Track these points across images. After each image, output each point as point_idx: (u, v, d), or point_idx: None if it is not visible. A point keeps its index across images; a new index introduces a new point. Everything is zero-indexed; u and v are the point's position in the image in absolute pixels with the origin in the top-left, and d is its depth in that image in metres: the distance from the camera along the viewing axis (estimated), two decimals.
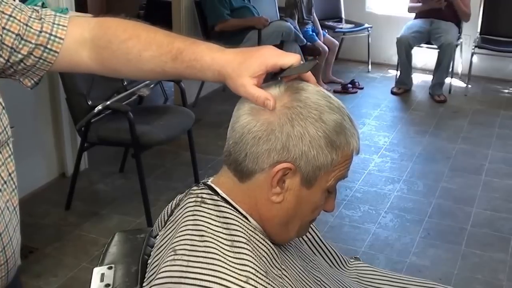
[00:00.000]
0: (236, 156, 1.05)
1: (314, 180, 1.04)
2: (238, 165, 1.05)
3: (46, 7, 3.29)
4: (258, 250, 1.03)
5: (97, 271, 1.16)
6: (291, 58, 1.03)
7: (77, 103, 3.19)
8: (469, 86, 5.66)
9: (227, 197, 1.07)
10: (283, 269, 1.07)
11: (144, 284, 1.09)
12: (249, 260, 1.00)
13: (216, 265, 0.98)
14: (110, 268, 1.17)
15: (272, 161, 1.01)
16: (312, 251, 1.32)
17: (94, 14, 3.63)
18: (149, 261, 1.13)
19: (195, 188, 1.12)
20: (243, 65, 1.02)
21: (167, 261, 1.01)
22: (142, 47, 1.10)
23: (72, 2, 3.53)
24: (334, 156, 1.03)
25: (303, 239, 1.30)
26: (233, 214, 1.05)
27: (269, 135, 1.01)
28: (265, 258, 1.04)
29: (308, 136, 1.00)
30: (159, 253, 1.09)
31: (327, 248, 1.35)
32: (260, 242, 1.05)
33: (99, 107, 3.10)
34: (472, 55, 5.51)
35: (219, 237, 1.02)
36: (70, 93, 3.22)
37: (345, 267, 1.40)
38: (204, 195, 1.09)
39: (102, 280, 1.14)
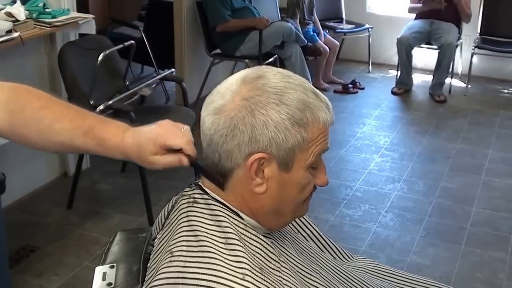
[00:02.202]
0: (212, 158, 1.06)
1: (291, 162, 1.03)
2: (216, 165, 1.06)
3: (47, 8, 3.31)
4: (250, 248, 1.04)
5: (99, 270, 1.17)
6: (178, 141, 1.09)
7: (79, 103, 3.17)
8: (469, 86, 5.67)
9: (217, 197, 1.09)
10: (281, 261, 1.08)
11: (144, 287, 1.10)
12: (244, 257, 1.01)
13: (213, 263, 0.99)
14: (112, 267, 1.18)
15: (244, 154, 1.02)
16: (317, 245, 1.33)
17: (95, 14, 3.64)
18: (148, 265, 1.14)
19: (187, 189, 1.14)
20: (141, 152, 1.09)
21: (164, 263, 1.03)
22: (54, 119, 1.10)
23: (74, 2, 3.53)
24: (304, 134, 1.02)
25: (301, 234, 1.31)
26: (223, 213, 1.07)
27: (234, 130, 1.01)
28: (259, 254, 1.05)
29: (272, 122, 1.00)
30: (157, 256, 1.10)
31: (326, 243, 1.36)
32: (252, 239, 1.06)
33: (101, 106, 3.11)
34: (472, 56, 5.52)
35: (213, 235, 1.03)
36: (72, 93, 3.23)
37: (349, 260, 1.41)
38: (196, 195, 1.10)
39: (104, 279, 1.15)
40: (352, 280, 1.27)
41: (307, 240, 1.31)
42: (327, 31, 5.84)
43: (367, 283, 1.30)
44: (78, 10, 3.56)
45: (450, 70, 5.49)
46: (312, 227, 1.34)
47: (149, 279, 1.08)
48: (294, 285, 1.06)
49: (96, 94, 3.20)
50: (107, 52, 3.27)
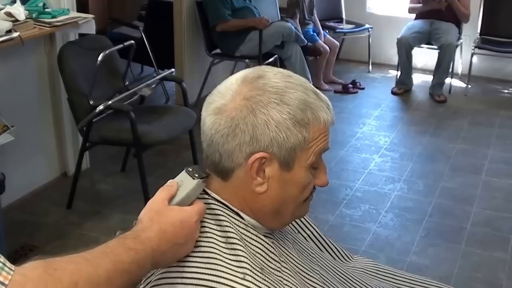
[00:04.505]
0: (212, 158, 1.06)
1: (292, 161, 1.03)
2: (217, 165, 1.06)
3: (47, 8, 3.31)
4: (250, 248, 1.05)
5: None
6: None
7: (79, 103, 3.21)
8: (469, 86, 5.66)
9: (217, 197, 1.09)
10: (282, 261, 1.08)
11: (142, 286, 1.10)
12: (244, 257, 1.01)
13: (213, 263, 0.99)
14: None
15: (245, 154, 1.02)
16: (317, 245, 1.33)
17: (95, 14, 3.64)
18: None
19: None
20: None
21: None
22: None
23: (74, 2, 3.53)
24: (305, 134, 1.02)
25: (302, 235, 1.31)
26: (224, 212, 1.07)
27: (235, 130, 1.01)
28: (259, 254, 1.05)
29: (273, 121, 1.00)
30: None
31: (326, 243, 1.36)
32: (253, 239, 1.06)
33: (101, 107, 3.11)
34: (472, 56, 5.51)
35: (214, 234, 1.03)
36: (72, 93, 3.24)
37: (348, 260, 1.41)
38: None
39: None
40: (352, 281, 1.27)
41: (307, 240, 1.31)
42: (327, 31, 5.84)
43: (366, 284, 1.30)
44: (78, 10, 3.56)
45: (450, 70, 5.49)
46: (313, 227, 1.34)
47: (149, 278, 1.08)
48: (294, 285, 1.06)
49: (95, 94, 3.20)
50: (107, 52, 3.27)
